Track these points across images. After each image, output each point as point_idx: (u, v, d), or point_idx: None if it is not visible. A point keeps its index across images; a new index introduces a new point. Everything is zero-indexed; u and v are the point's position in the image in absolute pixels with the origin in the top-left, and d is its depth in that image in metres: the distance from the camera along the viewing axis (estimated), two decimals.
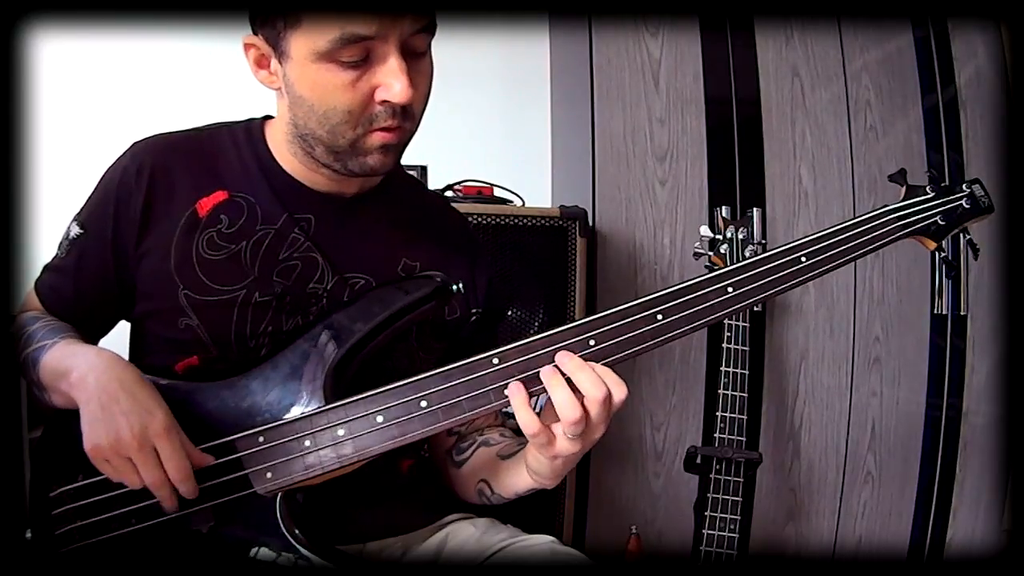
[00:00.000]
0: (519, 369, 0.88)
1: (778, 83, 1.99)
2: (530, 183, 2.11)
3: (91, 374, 0.91)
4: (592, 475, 1.90)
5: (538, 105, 2.34)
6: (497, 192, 1.93)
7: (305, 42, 0.90)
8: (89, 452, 0.89)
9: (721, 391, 1.66)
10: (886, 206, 1.00)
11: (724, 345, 1.71)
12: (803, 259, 0.92)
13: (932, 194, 1.02)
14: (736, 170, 1.96)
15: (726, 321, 1.73)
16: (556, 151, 2.32)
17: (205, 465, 0.91)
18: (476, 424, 1.13)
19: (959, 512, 2.01)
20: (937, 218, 1.00)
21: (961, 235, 1.05)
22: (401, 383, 0.90)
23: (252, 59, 0.99)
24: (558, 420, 0.85)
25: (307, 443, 0.90)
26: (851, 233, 0.95)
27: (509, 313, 1.75)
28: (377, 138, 0.95)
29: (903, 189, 1.02)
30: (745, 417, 1.66)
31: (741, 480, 1.64)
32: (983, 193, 1.03)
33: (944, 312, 2.00)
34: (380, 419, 0.90)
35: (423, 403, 0.89)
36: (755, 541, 1.93)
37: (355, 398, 0.91)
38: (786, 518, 1.98)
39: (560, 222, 1.82)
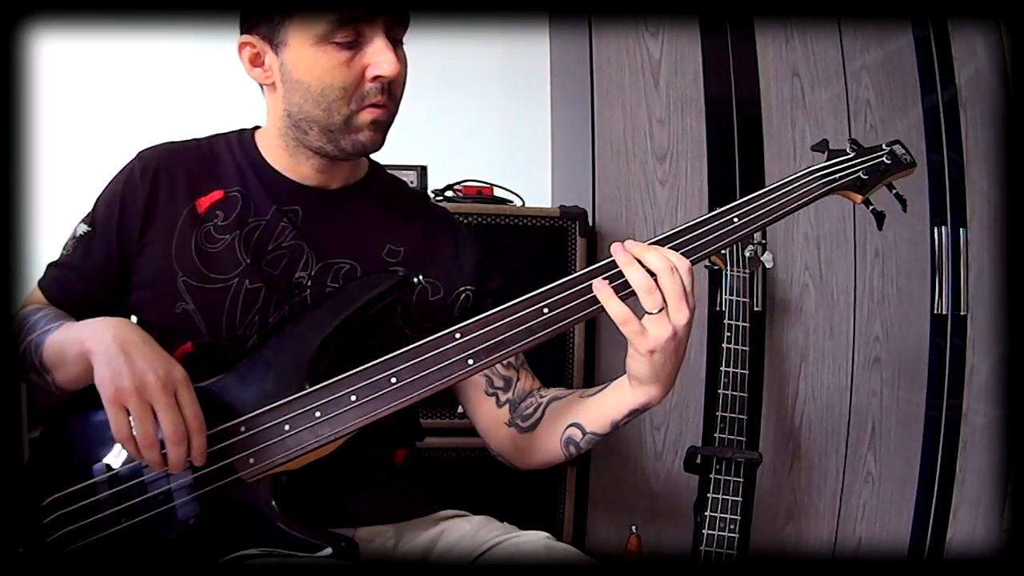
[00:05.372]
0: (480, 340, 0.96)
1: (778, 83, 1.99)
2: (530, 183, 2.11)
3: (108, 332, 0.94)
4: (592, 475, 1.90)
5: (538, 105, 2.34)
6: (497, 192, 1.93)
7: (305, 28, 1.02)
8: (109, 396, 0.90)
9: (721, 391, 1.66)
10: (811, 166, 1.07)
11: (724, 345, 1.71)
12: (735, 220, 1.00)
13: (852, 154, 1.09)
14: (736, 170, 1.96)
15: (726, 321, 1.73)
16: (556, 151, 2.32)
17: (203, 433, 0.93)
18: (522, 388, 1.15)
19: (959, 512, 2.01)
20: (860, 173, 1.08)
21: (888, 189, 1.11)
22: (371, 364, 0.96)
23: (247, 58, 1.09)
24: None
25: (286, 427, 0.95)
26: (780, 192, 1.03)
27: None
28: (368, 114, 1.05)
29: (825, 155, 1.09)
30: (745, 417, 1.66)
31: (741, 480, 1.64)
32: (904, 151, 1.10)
33: (944, 312, 2.00)
34: (354, 398, 0.96)
35: (393, 379, 0.96)
36: (755, 541, 1.93)
37: (328, 382, 0.96)
38: (786, 518, 1.98)
39: (560, 222, 1.82)
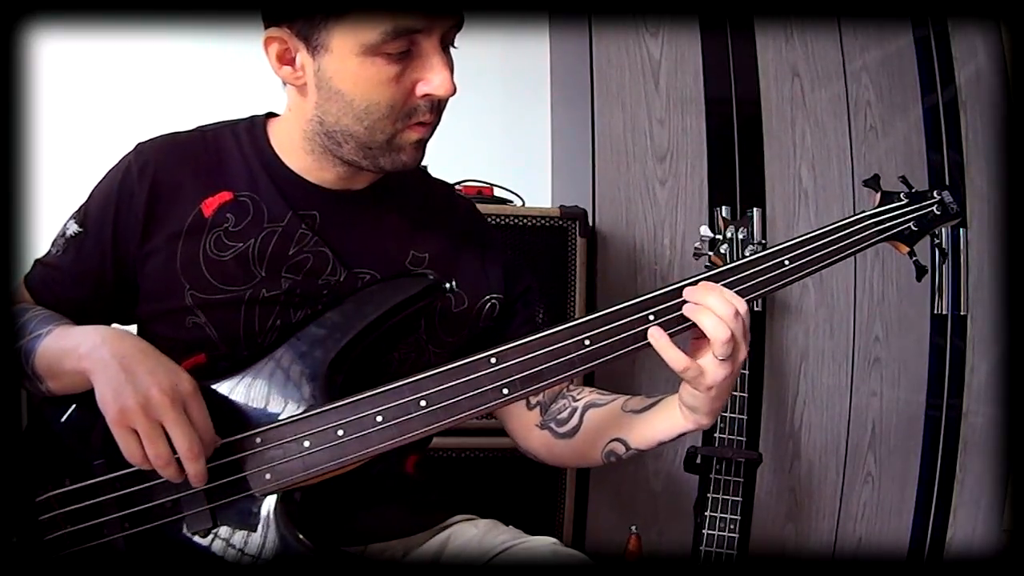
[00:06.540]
0: (516, 369, 0.90)
1: (778, 83, 1.98)
2: (530, 183, 2.11)
3: (105, 345, 0.88)
4: (592, 475, 1.90)
5: (538, 105, 2.34)
6: (497, 192, 1.93)
7: (351, 35, 0.90)
8: (114, 418, 0.84)
9: None
10: (864, 212, 1.03)
11: None
12: (786, 263, 0.97)
13: (906, 200, 1.05)
14: (736, 170, 1.96)
15: None
16: (556, 151, 2.32)
17: (215, 445, 0.89)
18: (553, 389, 1.09)
19: (959, 512, 2.01)
20: (911, 224, 1.04)
21: (931, 239, 1.08)
22: (400, 383, 0.90)
23: (274, 54, 0.96)
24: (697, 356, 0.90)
25: (306, 444, 0.90)
26: (832, 238, 0.99)
27: None
28: (414, 133, 0.97)
29: (877, 195, 1.06)
30: (745, 417, 1.66)
31: (741, 480, 1.64)
32: (951, 200, 1.07)
33: (944, 312, 2.00)
34: (380, 419, 0.90)
35: (422, 403, 0.90)
36: (755, 541, 1.93)
37: (354, 398, 0.90)
38: (786, 518, 1.98)
39: (560, 222, 1.82)
